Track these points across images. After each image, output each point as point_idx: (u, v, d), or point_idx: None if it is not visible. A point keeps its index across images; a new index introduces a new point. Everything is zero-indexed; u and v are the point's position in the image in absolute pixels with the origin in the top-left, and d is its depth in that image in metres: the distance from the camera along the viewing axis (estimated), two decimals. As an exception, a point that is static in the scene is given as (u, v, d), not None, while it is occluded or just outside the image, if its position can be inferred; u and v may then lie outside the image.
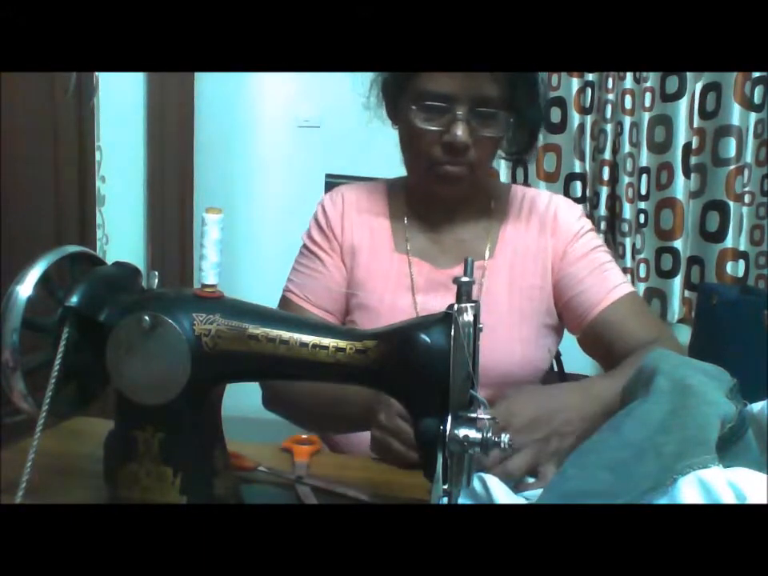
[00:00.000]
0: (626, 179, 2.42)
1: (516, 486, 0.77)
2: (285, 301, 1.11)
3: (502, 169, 2.52)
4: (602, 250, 1.09)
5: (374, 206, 1.13)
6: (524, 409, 0.77)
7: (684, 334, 2.41)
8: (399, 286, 1.07)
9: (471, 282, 0.64)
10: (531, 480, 0.79)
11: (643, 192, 2.43)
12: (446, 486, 0.62)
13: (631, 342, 1.00)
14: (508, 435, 0.62)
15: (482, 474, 0.70)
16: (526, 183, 2.51)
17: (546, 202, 1.11)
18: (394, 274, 1.08)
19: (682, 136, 2.36)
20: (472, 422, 0.63)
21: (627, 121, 2.39)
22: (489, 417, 0.63)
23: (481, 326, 0.68)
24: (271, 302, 0.81)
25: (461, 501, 0.65)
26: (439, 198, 1.07)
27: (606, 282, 1.05)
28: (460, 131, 0.96)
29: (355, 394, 0.88)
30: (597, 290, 1.05)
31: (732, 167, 2.34)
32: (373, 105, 1.08)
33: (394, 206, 1.13)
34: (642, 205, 2.44)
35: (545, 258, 1.08)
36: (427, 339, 0.64)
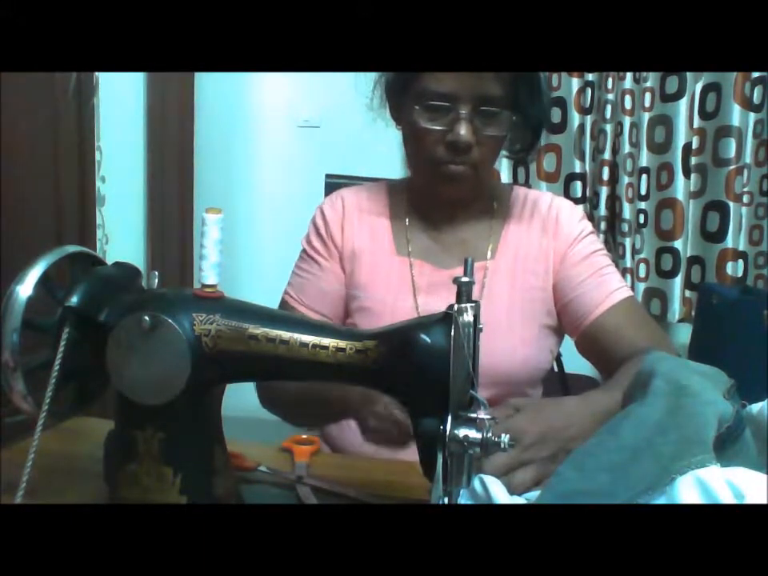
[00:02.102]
0: (626, 179, 2.42)
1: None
2: (283, 304, 1.13)
3: (503, 169, 2.52)
4: (602, 254, 1.09)
5: (374, 207, 1.13)
6: (533, 426, 0.77)
7: (684, 334, 2.42)
8: (401, 288, 1.07)
9: (471, 282, 0.64)
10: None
11: (643, 192, 2.43)
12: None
13: (627, 348, 0.99)
14: (508, 435, 0.62)
15: (482, 475, 0.70)
16: (526, 183, 2.51)
17: (548, 204, 1.11)
18: (395, 276, 1.08)
19: (681, 136, 2.35)
20: (472, 422, 0.63)
21: (627, 121, 2.39)
22: (489, 417, 0.63)
23: (481, 326, 0.68)
24: (271, 302, 0.81)
25: (461, 501, 0.65)
26: (443, 197, 1.07)
27: (604, 287, 1.05)
28: (463, 130, 0.96)
29: (340, 387, 0.91)
30: (594, 294, 1.05)
31: (732, 167, 2.34)
32: (376, 106, 1.08)
33: (395, 207, 1.13)
34: (642, 205, 2.44)
35: (546, 259, 1.08)
36: (427, 339, 0.64)
